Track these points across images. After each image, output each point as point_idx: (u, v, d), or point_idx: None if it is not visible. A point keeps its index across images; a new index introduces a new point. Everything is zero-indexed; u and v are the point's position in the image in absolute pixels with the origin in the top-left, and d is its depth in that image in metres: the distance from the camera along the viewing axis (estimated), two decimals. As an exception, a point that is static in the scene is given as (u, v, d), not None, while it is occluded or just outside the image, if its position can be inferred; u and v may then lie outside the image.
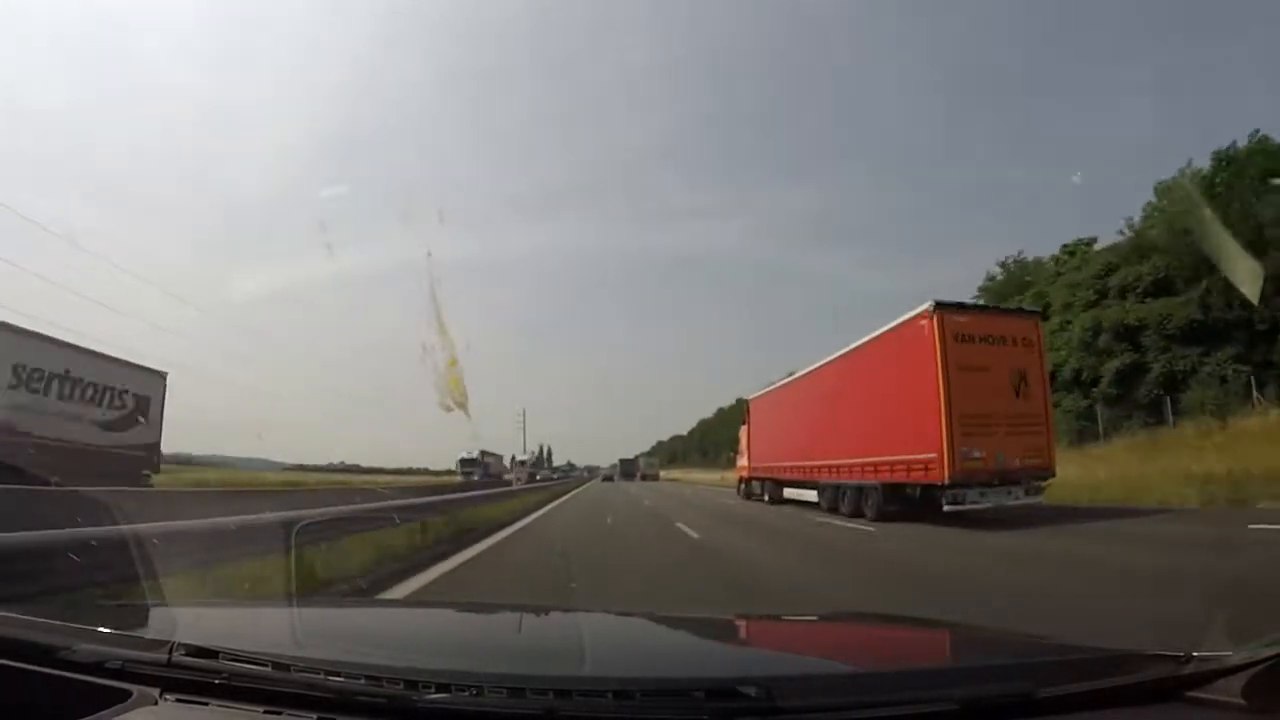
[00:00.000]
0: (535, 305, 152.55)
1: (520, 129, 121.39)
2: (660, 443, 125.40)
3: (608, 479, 79.14)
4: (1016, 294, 31.16)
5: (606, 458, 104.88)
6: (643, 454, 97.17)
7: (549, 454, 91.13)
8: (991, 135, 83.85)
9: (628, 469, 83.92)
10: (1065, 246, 33.35)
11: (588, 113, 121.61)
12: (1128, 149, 60.98)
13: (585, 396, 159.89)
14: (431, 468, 57.41)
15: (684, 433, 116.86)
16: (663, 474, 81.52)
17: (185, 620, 1.71)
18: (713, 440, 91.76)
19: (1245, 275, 10.31)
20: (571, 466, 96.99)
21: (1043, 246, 37.41)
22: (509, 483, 33.53)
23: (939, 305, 12.03)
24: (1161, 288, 25.25)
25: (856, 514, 13.98)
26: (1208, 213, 19.57)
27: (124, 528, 3.75)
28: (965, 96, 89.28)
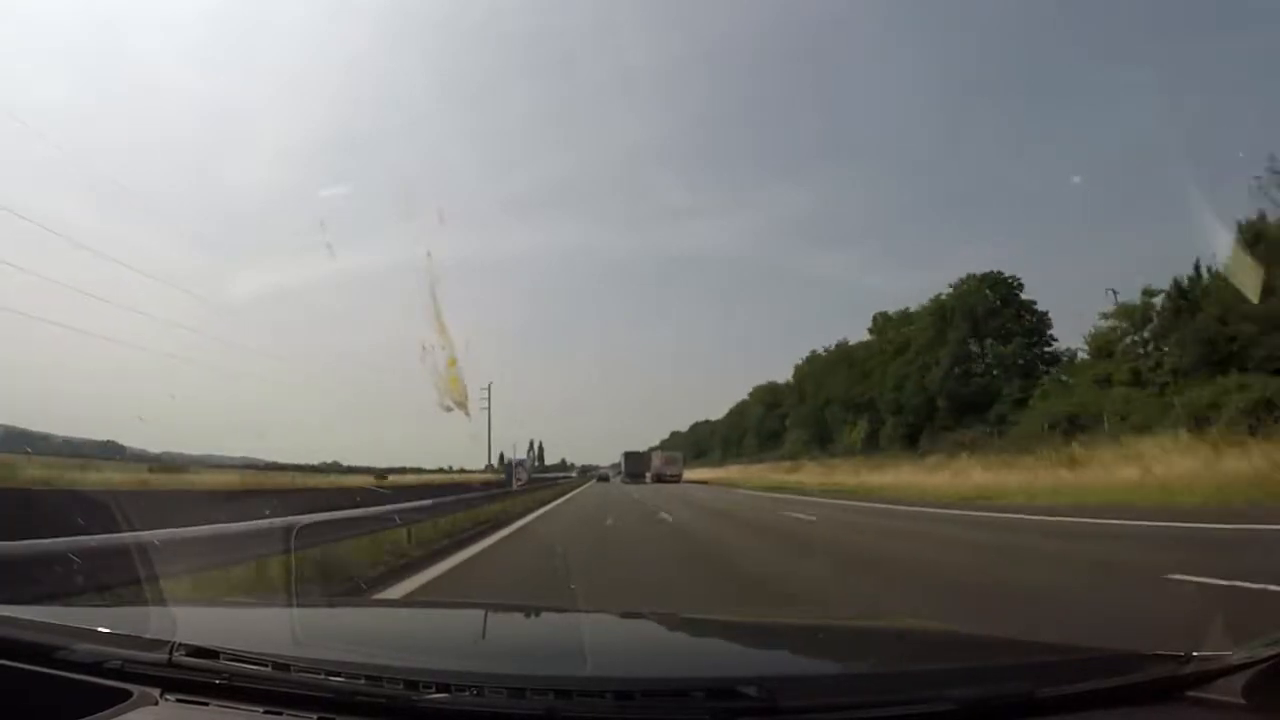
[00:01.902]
0: (535, 303, 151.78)
1: (521, 129, 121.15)
2: (676, 433, 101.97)
3: (603, 479, 62.23)
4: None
5: (609, 456, 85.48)
6: (655, 448, 70.66)
7: (540, 451, 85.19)
8: (991, 135, 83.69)
9: (634, 467, 61.20)
10: None
11: (588, 112, 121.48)
12: (1128, 149, 60.80)
13: (586, 394, 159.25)
14: (425, 466, 55.24)
15: (715, 417, 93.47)
16: (686, 474, 56.71)
17: (185, 620, 1.70)
18: (815, 406, 55.41)
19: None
20: (565, 465, 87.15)
21: (1040, 247, 36.84)
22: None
23: None
24: None
25: None
26: None
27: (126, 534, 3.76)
28: (964, 96, 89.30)
